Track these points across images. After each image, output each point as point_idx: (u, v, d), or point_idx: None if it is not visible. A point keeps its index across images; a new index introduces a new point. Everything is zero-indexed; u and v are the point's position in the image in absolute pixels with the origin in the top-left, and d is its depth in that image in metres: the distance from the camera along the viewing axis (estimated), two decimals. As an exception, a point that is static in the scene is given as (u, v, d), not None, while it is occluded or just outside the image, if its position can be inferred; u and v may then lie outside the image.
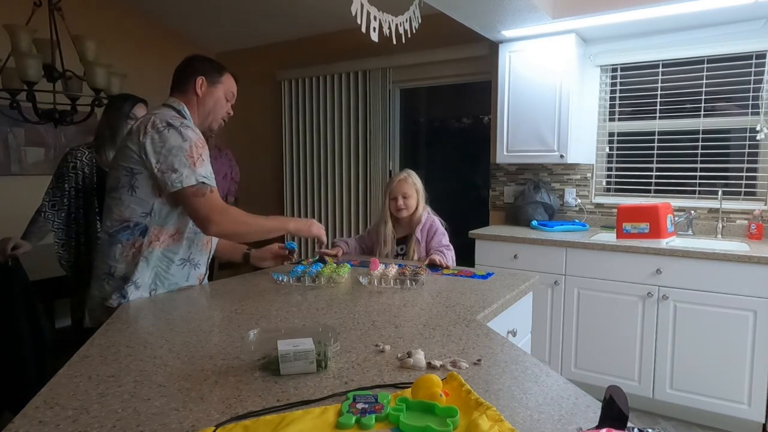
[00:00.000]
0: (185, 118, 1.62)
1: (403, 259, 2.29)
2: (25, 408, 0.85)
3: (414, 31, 2.37)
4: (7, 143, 3.61)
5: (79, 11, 3.19)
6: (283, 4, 3.86)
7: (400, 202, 2.30)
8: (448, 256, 2.19)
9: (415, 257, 2.27)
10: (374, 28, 2.08)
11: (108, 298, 1.55)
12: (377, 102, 4.00)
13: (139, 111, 2.28)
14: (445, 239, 2.30)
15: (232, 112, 1.79)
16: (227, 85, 1.73)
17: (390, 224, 2.36)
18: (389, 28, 2.21)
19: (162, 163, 1.50)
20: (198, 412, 0.83)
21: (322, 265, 1.87)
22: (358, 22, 2.00)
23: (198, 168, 1.53)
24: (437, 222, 2.33)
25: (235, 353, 1.09)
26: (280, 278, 1.75)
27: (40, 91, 2.54)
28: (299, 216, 4.51)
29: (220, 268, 3.22)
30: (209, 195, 1.54)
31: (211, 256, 1.81)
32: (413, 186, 2.33)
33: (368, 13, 2.04)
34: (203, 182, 1.53)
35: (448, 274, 1.91)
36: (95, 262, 1.64)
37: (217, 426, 0.77)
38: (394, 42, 2.24)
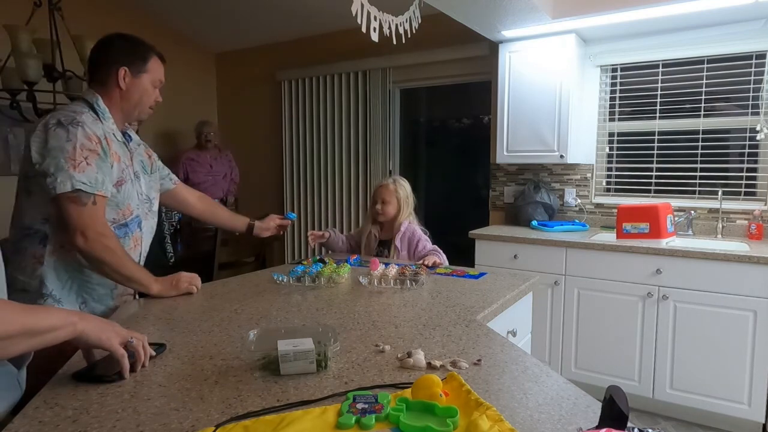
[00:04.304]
0: (95, 114, 1.45)
1: None
2: (25, 408, 0.85)
3: (414, 31, 2.37)
4: (7, 143, 3.61)
5: (79, 11, 3.19)
6: (283, 4, 3.86)
7: (378, 206, 2.36)
8: (443, 257, 2.22)
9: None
10: (374, 28, 2.08)
11: None
12: (377, 102, 4.00)
13: None
14: (430, 244, 2.33)
15: (161, 99, 1.59)
16: (154, 74, 1.55)
17: (372, 225, 2.43)
18: (389, 28, 2.21)
19: (41, 164, 1.34)
20: (198, 412, 0.83)
21: (322, 265, 1.87)
22: (359, 22, 2.00)
23: (77, 172, 1.34)
24: (419, 231, 2.34)
25: (235, 353, 1.09)
26: (280, 278, 1.76)
27: (40, 91, 2.54)
28: (300, 220, 4.51)
29: (220, 268, 3.22)
30: (90, 206, 1.36)
31: (142, 260, 1.61)
32: (394, 194, 2.36)
33: (368, 13, 2.04)
34: (80, 189, 1.34)
35: (442, 273, 1.91)
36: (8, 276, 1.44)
37: (217, 426, 0.77)
38: (394, 42, 2.24)
